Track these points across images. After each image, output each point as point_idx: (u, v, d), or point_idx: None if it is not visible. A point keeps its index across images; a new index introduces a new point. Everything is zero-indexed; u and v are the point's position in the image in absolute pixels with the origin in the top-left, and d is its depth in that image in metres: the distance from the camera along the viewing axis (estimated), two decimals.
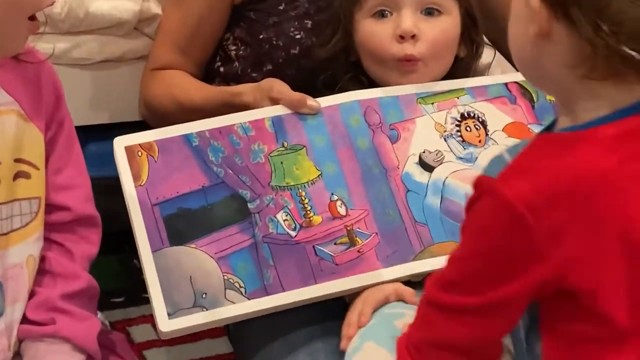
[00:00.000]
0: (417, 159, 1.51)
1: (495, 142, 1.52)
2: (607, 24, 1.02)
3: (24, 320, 1.35)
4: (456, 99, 1.56)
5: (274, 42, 1.70)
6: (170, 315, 1.36)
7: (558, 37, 1.06)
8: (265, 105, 1.54)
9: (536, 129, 1.49)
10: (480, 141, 1.53)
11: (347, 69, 1.62)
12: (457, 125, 1.54)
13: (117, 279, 1.99)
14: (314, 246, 1.44)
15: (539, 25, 1.06)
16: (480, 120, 1.55)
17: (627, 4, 1.02)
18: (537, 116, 1.56)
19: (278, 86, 1.55)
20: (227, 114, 1.54)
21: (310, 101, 1.52)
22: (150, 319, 1.88)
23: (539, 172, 1.05)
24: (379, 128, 1.53)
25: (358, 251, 1.44)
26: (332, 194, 1.48)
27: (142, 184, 1.44)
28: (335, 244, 1.45)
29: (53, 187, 1.39)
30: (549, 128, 1.14)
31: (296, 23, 1.70)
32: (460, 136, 1.53)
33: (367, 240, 1.45)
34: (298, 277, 1.41)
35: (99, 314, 1.49)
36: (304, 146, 1.50)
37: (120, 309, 1.89)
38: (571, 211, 1.04)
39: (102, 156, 1.84)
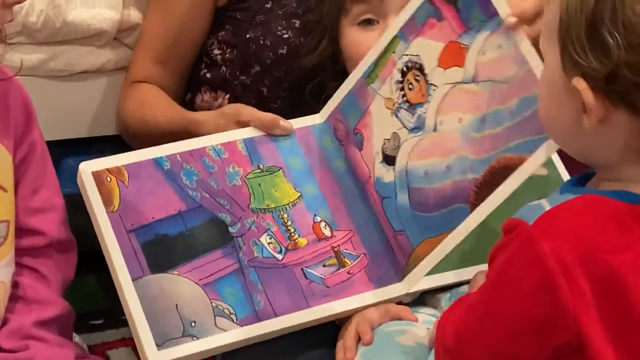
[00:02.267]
0: (381, 157, 1.48)
1: (436, 86, 1.43)
2: None
3: None
4: (393, 54, 1.48)
5: (261, 42, 1.69)
6: (159, 346, 1.32)
7: (617, 122, 1.05)
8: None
9: (465, 40, 1.41)
10: (422, 95, 1.45)
11: (335, 76, 1.61)
12: (400, 90, 1.47)
13: (96, 300, 1.97)
14: (302, 269, 1.43)
15: (595, 116, 1.04)
16: (418, 66, 1.46)
17: None
18: (464, 20, 1.41)
19: (246, 110, 1.54)
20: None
21: (283, 122, 1.51)
22: (130, 342, 1.86)
23: (583, 238, 1.04)
24: (348, 139, 1.51)
25: (348, 272, 1.43)
26: (315, 215, 1.47)
27: (114, 210, 1.40)
28: (324, 265, 1.43)
29: (27, 210, 1.39)
30: (584, 177, 1.13)
31: (284, 22, 1.70)
32: (407, 100, 1.46)
33: (355, 262, 1.44)
34: (290, 301, 1.40)
35: (77, 337, 1.48)
36: (280, 168, 1.48)
37: (98, 331, 1.87)
38: (601, 289, 1.04)
39: None
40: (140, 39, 1.77)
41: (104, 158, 1.44)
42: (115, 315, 1.92)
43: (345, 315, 1.41)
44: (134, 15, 1.81)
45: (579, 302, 1.04)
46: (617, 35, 1.02)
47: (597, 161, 1.11)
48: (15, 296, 1.37)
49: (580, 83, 1.04)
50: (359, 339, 1.38)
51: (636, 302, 1.05)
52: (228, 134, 1.50)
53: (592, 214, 1.06)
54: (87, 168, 1.41)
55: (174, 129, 1.62)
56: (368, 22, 1.56)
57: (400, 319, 1.40)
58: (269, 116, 1.51)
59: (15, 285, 1.37)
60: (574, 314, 1.04)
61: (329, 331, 1.43)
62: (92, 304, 1.96)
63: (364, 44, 1.55)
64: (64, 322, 1.40)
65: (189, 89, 1.79)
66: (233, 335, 1.36)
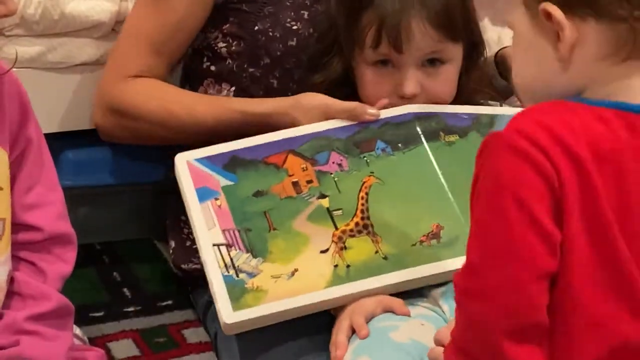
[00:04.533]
0: None
1: None
2: None
3: None
4: None
5: (270, 34, 1.71)
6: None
7: (586, 37, 1.09)
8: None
9: None
10: None
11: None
12: None
13: (96, 292, 1.98)
14: None
15: (569, 36, 1.09)
16: None
17: None
18: None
19: (331, 102, 1.57)
20: (244, 131, 1.58)
21: (370, 109, 1.56)
22: (131, 334, 1.88)
23: (550, 126, 1.08)
24: None
25: None
26: None
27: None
28: None
29: (23, 206, 1.40)
30: None
31: (292, 13, 1.72)
32: None
33: None
34: None
35: (77, 330, 1.49)
36: None
37: (99, 324, 1.88)
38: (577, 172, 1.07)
39: (80, 164, 1.85)
40: (131, 32, 1.76)
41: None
42: (116, 308, 1.94)
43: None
44: (132, 6, 1.80)
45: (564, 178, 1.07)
46: None
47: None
48: (10, 292, 1.38)
49: (546, 5, 1.10)
50: (352, 332, 1.41)
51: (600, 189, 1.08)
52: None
53: (555, 108, 1.11)
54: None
55: (226, 126, 1.64)
56: (383, 63, 1.58)
57: (392, 312, 1.42)
58: (353, 104, 1.56)
59: (11, 280, 1.38)
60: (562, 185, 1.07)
61: (325, 319, 1.46)
62: (93, 296, 1.97)
63: (379, 86, 1.58)
64: (60, 315, 1.41)
65: (189, 82, 1.81)
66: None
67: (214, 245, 1.44)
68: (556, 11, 1.09)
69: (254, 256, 1.43)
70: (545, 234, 1.06)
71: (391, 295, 1.44)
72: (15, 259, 1.39)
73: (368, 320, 1.40)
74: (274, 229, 1.46)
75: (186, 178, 1.50)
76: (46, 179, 1.42)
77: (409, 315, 1.42)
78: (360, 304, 1.41)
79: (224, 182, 1.50)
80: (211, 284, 1.41)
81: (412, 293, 1.46)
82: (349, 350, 1.38)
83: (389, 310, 1.42)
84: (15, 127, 1.38)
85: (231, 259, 1.43)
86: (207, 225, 1.46)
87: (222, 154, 1.52)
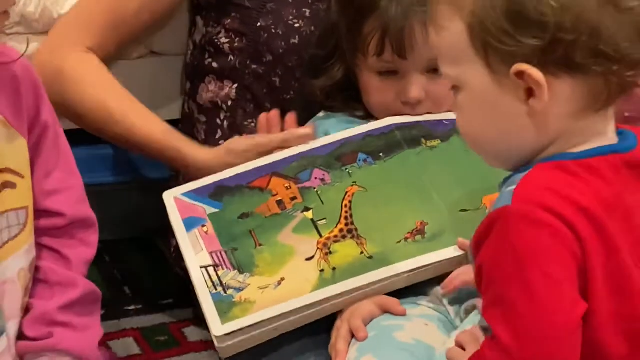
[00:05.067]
0: None
1: None
2: (610, 48, 1.05)
3: (22, 336, 1.35)
4: None
5: (273, 31, 1.72)
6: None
7: (559, 94, 1.08)
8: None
9: None
10: None
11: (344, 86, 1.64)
12: None
13: None
14: None
15: (546, 92, 1.07)
16: None
17: (612, 17, 1.06)
18: None
19: (260, 139, 1.58)
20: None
21: (300, 131, 1.56)
22: (132, 332, 1.88)
23: (557, 189, 1.07)
24: None
25: None
26: None
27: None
28: None
29: (43, 192, 1.39)
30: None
31: (294, 11, 1.72)
32: None
33: None
34: None
35: None
36: None
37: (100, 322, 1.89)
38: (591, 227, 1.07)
39: (81, 163, 1.83)
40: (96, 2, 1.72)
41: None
42: (116, 306, 1.95)
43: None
44: None
45: (584, 239, 1.07)
46: (549, 2, 1.05)
47: (536, 152, 1.13)
48: (37, 280, 1.38)
49: (521, 66, 1.07)
50: (351, 337, 1.41)
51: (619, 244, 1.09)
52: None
53: (549, 171, 1.10)
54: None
55: (155, 150, 1.66)
56: (388, 73, 1.58)
57: (390, 312, 1.42)
58: (284, 135, 1.57)
59: (36, 269, 1.38)
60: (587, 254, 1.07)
61: (326, 318, 1.45)
62: None
63: (382, 92, 1.58)
64: (89, 301, 1.42)
65: (190, 79, 1.81)
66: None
67: (201, 267, 1.47)
68: (531, 70, 1.06)
69: (241, 272, 1.46)
70: (575, 305, 1.07)
71: (387, 294, 1.44)
72: (38, 246, 1.39)
73: (368, 322, 1.41)
74: (260, 245, 1.49)
75: (174, 212, 1.54)
76: (64, 163, 1.43)
77: (404, 315, 1.42)
78: (357, 307, 1.41)
79: (210, 210, 1.54)
80: (201, 303, 1.44)
81: (414, 292, 1.46)
82: (353, 349, 1.38)
83: (387, 311, 1.42)
84: (32, 112, 1.38)
85: (219, 278, 1.46)
86: (194, 250, 1.50)
87: (207, 185, 1.56)
